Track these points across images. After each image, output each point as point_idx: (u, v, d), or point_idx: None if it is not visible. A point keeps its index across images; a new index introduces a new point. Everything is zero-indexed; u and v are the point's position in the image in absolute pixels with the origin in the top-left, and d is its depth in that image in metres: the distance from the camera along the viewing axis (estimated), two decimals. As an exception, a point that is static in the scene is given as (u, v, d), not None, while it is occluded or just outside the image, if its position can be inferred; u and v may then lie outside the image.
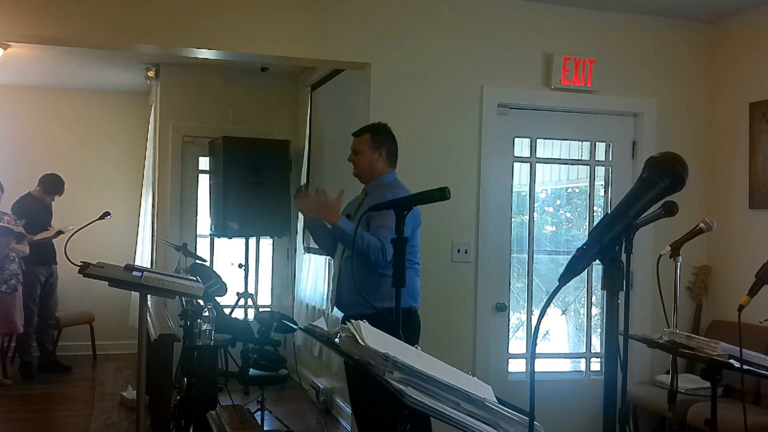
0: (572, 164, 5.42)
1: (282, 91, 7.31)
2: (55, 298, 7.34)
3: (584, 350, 5.13)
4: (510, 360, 4.94)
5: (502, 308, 4.83)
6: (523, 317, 5.08)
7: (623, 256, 1.49)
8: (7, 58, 6.50)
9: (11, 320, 6.61)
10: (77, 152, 8.19)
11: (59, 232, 6.93)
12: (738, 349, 2.55)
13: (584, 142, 5.11)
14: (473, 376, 1.75)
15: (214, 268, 6.35)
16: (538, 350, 4.78)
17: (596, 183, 5.10)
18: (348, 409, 5.41)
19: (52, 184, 7.16)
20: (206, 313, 4.11)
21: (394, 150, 3.92)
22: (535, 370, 1.51)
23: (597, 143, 5.07)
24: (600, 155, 5.09)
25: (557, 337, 5.66)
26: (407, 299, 3.63)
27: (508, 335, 4.94)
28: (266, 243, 7.45)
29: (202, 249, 7.28)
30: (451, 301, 4.67)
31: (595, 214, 5.10)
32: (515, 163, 4.92)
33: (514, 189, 4.93)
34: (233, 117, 7.17)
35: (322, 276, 6.57)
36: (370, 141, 3.85)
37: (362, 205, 3.81)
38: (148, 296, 3.49)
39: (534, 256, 4.96)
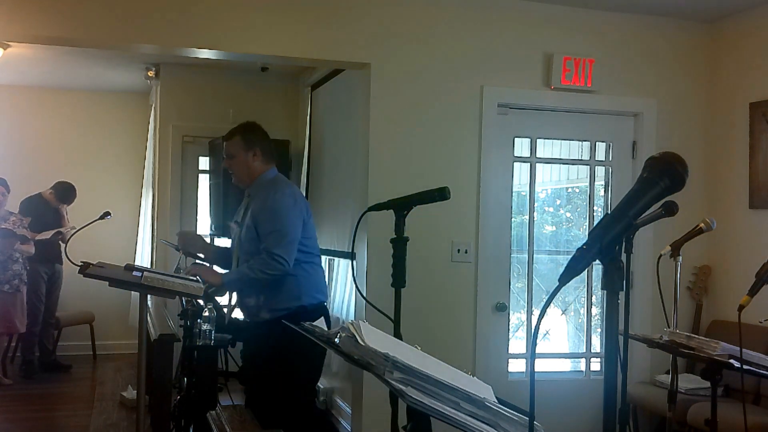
0: (572, 164, 5.42)
1: (282, 91, 7.31)
2: (56, 297, 7.35)
3: (584, 350, 5.12)
4: (510, 360, 4.94)
5: (502, 308, 4.83)
6: (523, 317, 5.08)
7: (623, 256, 1.49)
8: (7, 58, 6.50)
9: (10, 320, 6.62)
10: (77, 152, 8.20)
11: (58, 233, 6.93)
12: (738, 349, 2.55)
13: (584, 142, 5.11)
14: (473, 376, 1.75)
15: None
16: (538, 350, 4.78)
17: (596, 183, 5.10)
18: (348, 409, 5.41)
19: (63, 192, 7.19)
20: (206, 313, 4.10)
21: (267, 146, 3.75)
22: (535, 370, 1.51)
23: (597, 143, 5.07)
24: (600, 155, 5.09)
25: (557, 337, 5.66)
26: (315, 294, 3.61)
27: (508, 335, 4.94)
28: (266, 243, 7.44)
29: (202, 249, 7.27)
30: (451, 301, 4.67)
31: (595, 214, 5.10)
32: (515, 163, 4.92)
33: (514, 189, 4.93)
34: (233, 117, 7.15)
35: (322, 276, 6.56)
36: (242, 142, 3.67)
37: (247, 212, 3.66)
38: (148, 296, 3.48)
39: (534, 256, 4.96)
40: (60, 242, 7.07)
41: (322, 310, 3.60)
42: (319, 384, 6.15)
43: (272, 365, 3.52)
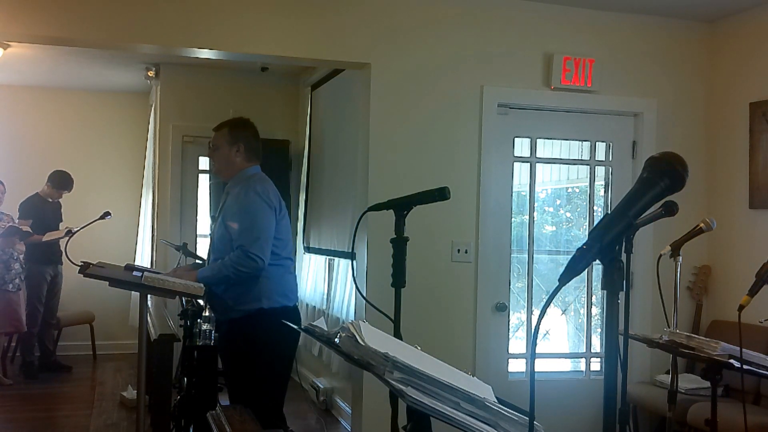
0: (572, 164, 5.42)
1: (282, 91, 7.31)
2: (57, 298, 7.35)
3: (584, 350, 5.12)
4: (510, 360, 4.94)
5: (502, 308, 4.83)
6: (523, 317, 5.08)
7: (623, 256, 1.49)
8: (7, 58, 6.50)
9: (18, 319, 6.64)
10: (77, 152, 8.19)
11: (69, 232, 6.93)
12: (738, 349, 2.55)
13: (584, 142, 5.11)
14: (473, 376, 1.75)
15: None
16: (538, 350, 4.78)
17: (596, 183, 5.10)
18: (348, 409, 5.41)
19: (62, 180, 7.18)
20: (206, 313, 4.11)
21: (253, 145, 3.72)
22: (535, 370, 1.51)
23: (597, 143, 5.07)
24: (600, 155, 5.09)
25: (557, 337, 5.66)
26: (277, 297, 3.50)
27: (508, 335, 4.94)
28: (266, 243, 7.43)
29: (202, 249, 7.27)
30: (451, 301, 4.67)
31: (595, 214, 5.10)
32: (515, 163, 4.92)
33: (514, 189, 4.93)
34: (233, 117, 7.16)
35: (322, 276, 6.57)
36: (228, 136, 3.68)
37: (224, 208, 3.62)
38: (148, 296, 3.49)
39: (534, 256, 4.96)
40: (59, 242, 7.07)
41: (285, 314, 3.46)
42: (319, 384, 6.17)
43: (240, 363, 3.51)
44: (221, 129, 3.73)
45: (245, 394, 3.40)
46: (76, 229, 6.71)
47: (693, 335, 2.95)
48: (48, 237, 6.91)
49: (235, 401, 3.46)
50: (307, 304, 6.79)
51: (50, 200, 7.21)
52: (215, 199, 6.82)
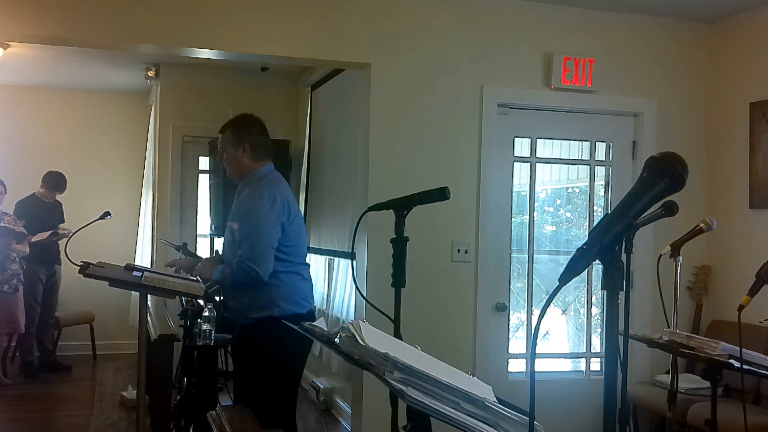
0: (572, 164, 5.42)
1: (282, 91, 7.31)
2: (56, 297, 7.35)
3: (584, 350, 5.12)
4: (510, 360, 4.94)
5: (502, 308, 4.83)
6: (523, 317, 5.08)
7: (623, 256, 1.49)
8: (7, 58, 6.51)
9: (14, 320, 6.63)
10: (77, 152, 8.20)
11: (53, 234, 6.93)
12: (738, 349, 2.55)
13: (584, 142, 5.11)
14: (473, 376, 1.75)
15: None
16: (538, 350, 4.77)
17: (596, 183, 5.10)
18: (348, 409, 5.41)
19: (55, 182, 7.18)
20: (206, 313, 4.10)
21: (260, 142, 3.57)
22: (535, 370, 1.51)
23: (597, 143, 5.07)
24: (600, 155, 5.09)
25: (557, 337, 5.66)
26: (287, 305, 3.42)
27: (508, 335, 4.94)
28: (266, 243, 7.43)
29: (202, 249, 7.28)
30: (451, 301, 4.67)
31: (595, 214, 5.10)
32: (515, 163, 4.92)
33: (514, 189, 4.93)
34: (233, 117, 7.17)
35: (322, 276, 6.57)
36: (231, 137, 3.54)
37: (233, 212, 3.54)
38: (148, 296, 3.49)
39: (534, 256, 4.96)
40: (59, 242, 7.06)
41: (296, 322, 3.38)
42: (319, 384, 6.17)
43: (251, 367, 3.49)
44: (225, 131, 3.60)
45: (252, 399, 3.38)
46: (63, 232, 6.70)
47: (693, 335, 2.95)
48: (35, 238, 6.90)
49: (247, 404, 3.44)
50: (307, 304, 6.78)
51: (46, 201, 7.22)
52: (215, 199, 6.82)
